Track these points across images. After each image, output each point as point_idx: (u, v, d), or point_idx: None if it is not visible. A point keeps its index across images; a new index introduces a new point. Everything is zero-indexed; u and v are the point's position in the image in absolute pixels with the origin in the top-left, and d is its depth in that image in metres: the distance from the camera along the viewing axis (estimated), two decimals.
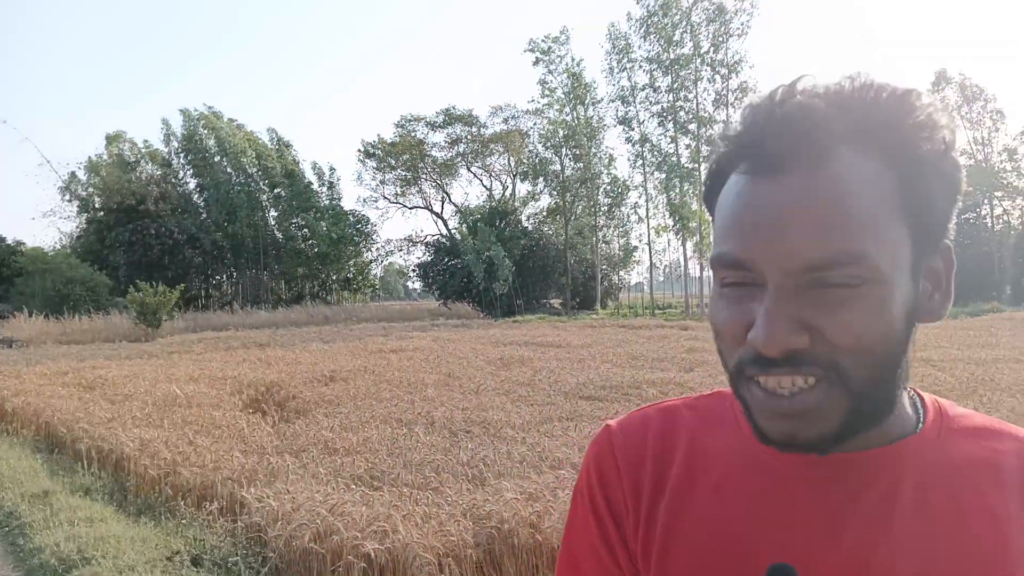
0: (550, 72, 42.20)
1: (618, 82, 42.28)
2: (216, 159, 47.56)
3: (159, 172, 47.66)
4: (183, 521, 4.97)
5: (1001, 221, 43.24)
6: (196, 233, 43.66)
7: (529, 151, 46.10)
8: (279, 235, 49.47)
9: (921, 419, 0.70)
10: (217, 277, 49.54)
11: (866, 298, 0.59)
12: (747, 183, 0.62)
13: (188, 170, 48.77)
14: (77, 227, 47.23)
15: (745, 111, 0.63)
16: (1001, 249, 40.25)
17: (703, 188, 0.69)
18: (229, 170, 47.49)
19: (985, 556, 0.63)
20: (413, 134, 48.10)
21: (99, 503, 5.68)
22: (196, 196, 48.68)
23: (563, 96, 42.02)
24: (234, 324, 31.47)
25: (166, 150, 49.10)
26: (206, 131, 47.84)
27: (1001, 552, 0.63)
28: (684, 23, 39.19)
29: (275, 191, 48.90)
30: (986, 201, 42.85)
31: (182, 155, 48.78)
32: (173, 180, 48.04)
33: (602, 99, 44.81)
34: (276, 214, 49.65)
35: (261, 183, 48.32)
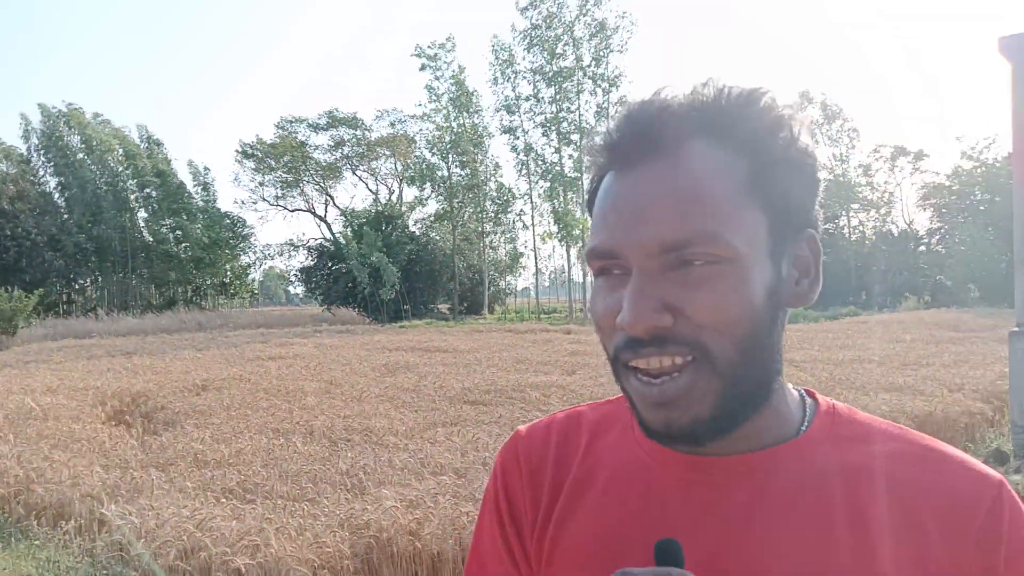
0: (436, 78, 42.17)
1: (502, 92, 42.84)
2: (79, 156, 44.55)
3: (15, 170, 44.13)
4: (36, 542, 4.62)
5: (857, 232, 46.57)
6: (57, 234, 40.74)
7: (416, 156, 45.85)
8: (149, 238, 46.84)
9: (807, 422, 0.71)
10: (81, 282, 46.38)
11: (724, 277, 0.62)
12: (612, 180, 0.66)
13: (49, 168, 45.42)
14: None
15: (612, 118, 0.67)
16: (857, 258, 43.29)
17: (586, 196, 0.72)
18: (93, 168, 44.52)
19: (849, 561, 0.63)
20: (294, 136, 46.82)
21: None
22: (57, 196, 45.37)
23: (449, 103, 42.08)
24: (99, 331, 29.54)
25: (24, 147, 45.61)
26: (68, 128, 44.75)
27: (868, 558, 0.63)
28: (567, 36, 40.15)
29: (144, 191, 46.24)
30: (844, 213, 46.04)
31: (41, 152, 45.41)
32: (32, 178, 44.59)
33: (486, 108, 45.16)
34: (146, 215, 47.02)
35: (129, 182, 45.60)
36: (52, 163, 44.96)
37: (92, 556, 4.26)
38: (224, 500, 4.67)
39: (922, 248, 42.84)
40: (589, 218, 0.70)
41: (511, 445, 0.81)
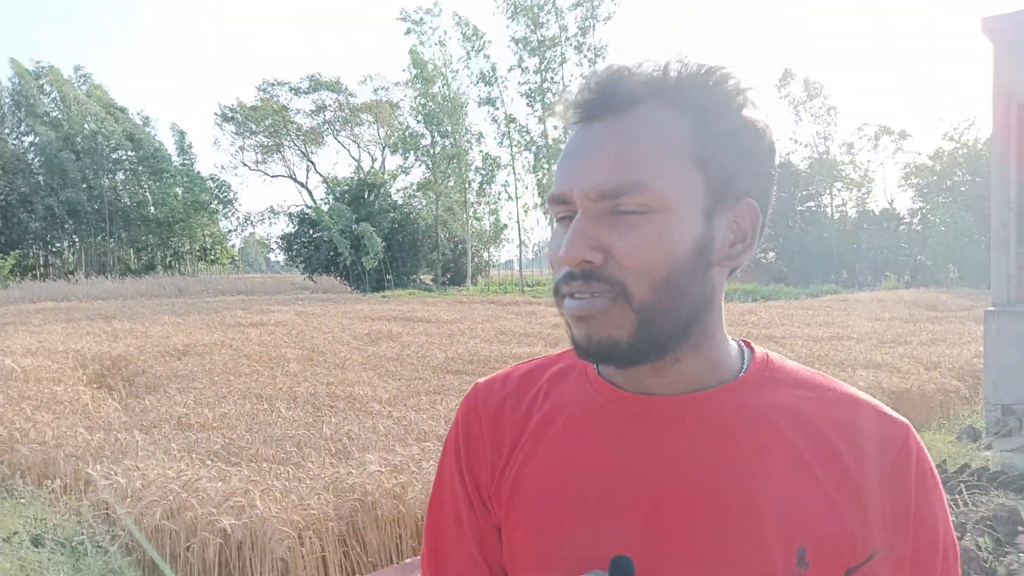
0: (422, 43, 41.65)
1: (476, 67, 42.50)
2: (54, 115, 43.53)
3: None
4: (21, 500, 4.63)
5: (839, 210, 46.84)
6: (29, 195, 39.99)
7: (399, 123, 45.38)
8: (126, 200, 46.10)
9: (744, 369, 0.77)
10: (57, 244, 45.78)
11: (653, 224, 0.68)
12: (573, 133, 0.73)
13: (20, 127, 44.32)
14: None
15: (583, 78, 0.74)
16: (839, 236, 43.60)
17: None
18: (68, 129, 43.49)
19: (780, 490, 0.71)
20: (276, 99, 46.18)
21: None
22: (32, 156, 44.41)
23: (431, 71, 41.61)
24: (77, 295, 29.26)
25: None
26: (40, 86, 43.66)
27: (797, 487, 0.71)
28: (550, 5, 39.86)
29: (119, 153, 45.22)
30: (827, 191, 46.27)
31: (14, 110, 44.33)
32: (3, 136, 43.57)
33: (461, 78, 44.74)
34: (123, 178, 46.20)
35: (106, 143, 44.66)
36: (22, 122, 43.92)
37: (79, 515, 4.28)
38: (209, 462, 4.70)
39: (903, 228, 43.20)
40: None
41: (471, 396, 0.86)
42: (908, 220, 43.35)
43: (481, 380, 0.88)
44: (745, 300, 26.86)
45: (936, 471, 0.75)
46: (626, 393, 0.76)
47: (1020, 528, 4.20)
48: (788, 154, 47.57)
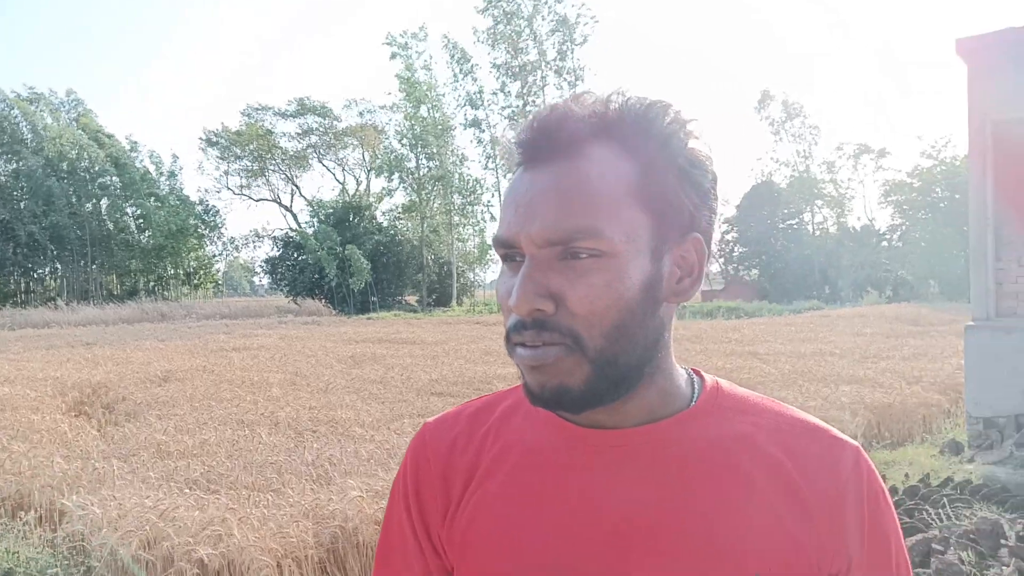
0: (407, 68, 41.91)
1: (463, 88, 42.99)
2: (38, 143, 43.26)
3: None
4: None
5: (820, 228, 47.27)
6: (10, 222, 39.65)
7: (384, 147, 45.51)
8: (110, 226, 45.78)
9: (695, 398, 0.77)
10: (38, 271, 45.35)
11: (603, 270, 0.67)
12: (518, 176, 0.72)
13: (4, 154, 43.98)
14: None
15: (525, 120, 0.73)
16: (820, 253, 43.97)
17: None
18: (49, 155, 43.16)
19: (736, 523, 0.71)
20: (260, 123, 46.20)
21: None
22: (12, 183, 43.96)
23: (420, 93, 41.91)
24: (58, 321, 28.98)
25: None
26: (22, 113, 43.44)
27: (753, 515, 0.71)
28: (528, 31, 40.50)
29: (103, 179, 44.90)
30: (807, 209, 46.71)
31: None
32: None
33: (451, 102, 45.15)
34: (107, 203, 45.89)
35: (89, 171, 44.34)
36: (4, 150, 43.57)
37: (53, 546, 4.19)
38: (188, 491, 4.62)
39: (884, 244, 43.62)
40: None
41: (419, 437, 0.84)
42: (888, 236, 43.80)
43: (430, 420, 0.86)
44: (728, 318, 26.99)
45: (887, 490, 0.77)
46: (578, 428, 0.75)
47: (1003, 541, 4.20)
48: (770, 173, 48.10)
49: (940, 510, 4.87)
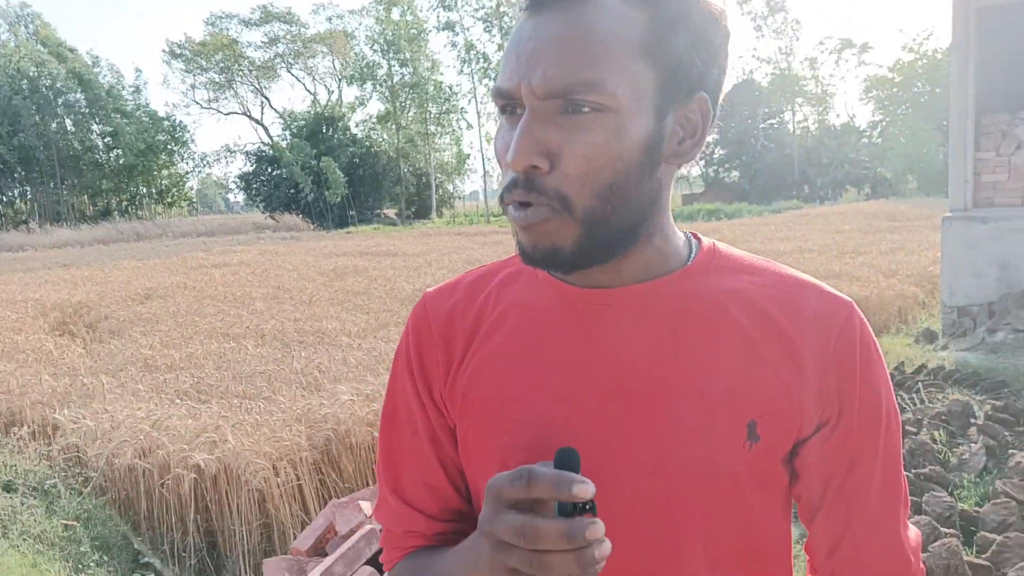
0: None
1: None
2: None
3: None
4: None
5: (800, 127, 46.96)
6: None
7: (355, 53, 44.13)
8: (77, 145, 44.53)
9: (691, 259, 0.77)
10: (8, 194, 44.36)
11: (603, 126, 0.65)
12: (521, 21, 0.69)
13: None
14: None
15: None
16: (800, 152, 43.84)
17: None
18: (10, 73, 41.53)
19: (731, 373, 0.72)
20: (225, 32, 44.54)
21: None
22: None
23: None
24: (32, 244, 28.60)
25: None
26: None
27: (749, 367, 0.72)
28: None
29: (68, 96, 43.37)
30: (788, 107, 46.25)
31: None
32: None
33: (420, 3, 43.46)
34: (73, 122, 44.50)
35: (52, 88, 42.73)
36: None
37: (49, 459, 4.26)
38: (179, 401, 4.68)
39: (864, 141, 43.50)
40: None
41: (420, 305, 0.85)
42: (868, 133, 43.63)
43: (430, 289, 0.87)
44: (709, 219, 27.10)
45: (878, 345, 0.77)
46: (576, 288, 0.76)
47: (972, 420, 4.37)
48: (751, 71, 47.35)
49: (914, 395, 5.04)
